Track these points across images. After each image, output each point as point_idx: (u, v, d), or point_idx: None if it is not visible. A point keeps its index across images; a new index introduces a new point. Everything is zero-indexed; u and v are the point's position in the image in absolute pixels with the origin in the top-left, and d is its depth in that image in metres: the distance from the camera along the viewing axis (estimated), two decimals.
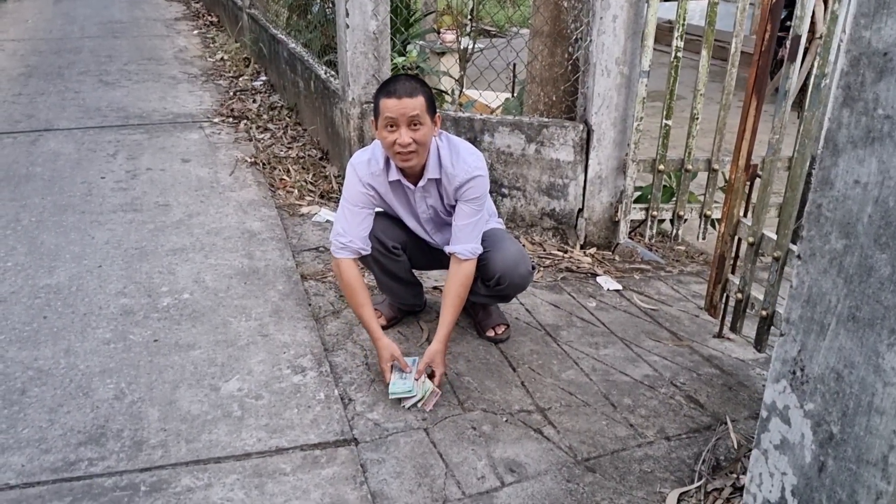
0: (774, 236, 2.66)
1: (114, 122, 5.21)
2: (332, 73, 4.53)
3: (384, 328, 2.80)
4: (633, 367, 2.74)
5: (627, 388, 2.59)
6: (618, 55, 3.40)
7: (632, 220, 3.72)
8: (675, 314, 3.20)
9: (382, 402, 2.40)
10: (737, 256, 2.93)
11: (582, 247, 3.72)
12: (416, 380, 2.40)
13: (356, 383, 2.50)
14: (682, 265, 3.76)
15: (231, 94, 6.10)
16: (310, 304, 2.97)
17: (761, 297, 2.76)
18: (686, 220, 3.71)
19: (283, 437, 2.21)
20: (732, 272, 2.94)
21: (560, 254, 3.64)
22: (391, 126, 2.26)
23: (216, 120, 5.34)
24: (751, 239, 2.75)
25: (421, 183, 2.47)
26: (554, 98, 3.72)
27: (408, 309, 2.92)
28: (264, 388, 2.44)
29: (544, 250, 3.66)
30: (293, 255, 3.39)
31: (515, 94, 4.30)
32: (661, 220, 3.72)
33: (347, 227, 2.48)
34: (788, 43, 2.56)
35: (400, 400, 2.38)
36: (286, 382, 2.47)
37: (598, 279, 3.44)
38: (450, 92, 5.38)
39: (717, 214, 3.72)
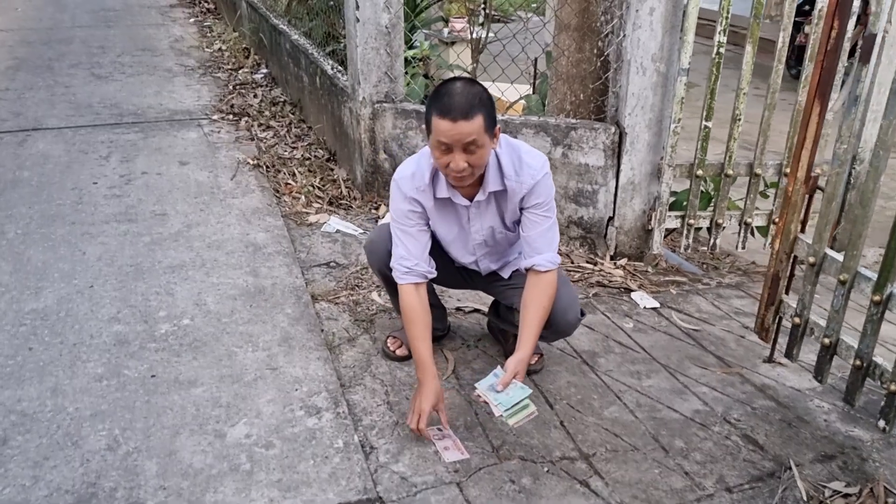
0: (840, 257, 2.39)
1: (107, 121, 4.92)
2: (340, 68, 4.23)
3: (404, 358, 2.54)
4: (681, 400, 2.48)
5: (678, 428, 2.33)
6: (654, 51, 3.12)
7: (665, 229, 3.44)
8: (720, 335, 2.93)
9: (408, 449, 2.14)
10: (791, 275, 2.66)
11: (612, 257, 3.45)
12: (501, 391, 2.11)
13: (377, 427, 2.23)
14: (720, 276, 3.49)
15: (230, 88, 5.80)
16: (322, 331, 2.71)
17: (821, 323, 2.50)
18: (724, 227, 3.44)
19: (299, 496, 1.95)
20: (786, 292, 2.68)
21: (590, 266, 3.37)
22: (444, 148, 1.98)
23: (215, 117, 5.05)
24: (812, 259, 2.48)
25: (478, 197, 2.18)
26: (581, 97, 3.43)
27: None
28: (275, 433, 2.17)
29: (572, 262, 3.39)
30: (302, 271, 3.12)
31: (537, 89, 4.01)
32: (698, 229, 3.45)
33: (411, 250, 2.20)
34: (861, 41, 2.28)
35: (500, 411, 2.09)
36: (299, 427, 2.20)
37: (633, 295, 3.17)
38: None
39: (757, 222, 3.46)
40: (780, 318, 2.70)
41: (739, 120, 3.24)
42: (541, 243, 2.20)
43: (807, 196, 2.53)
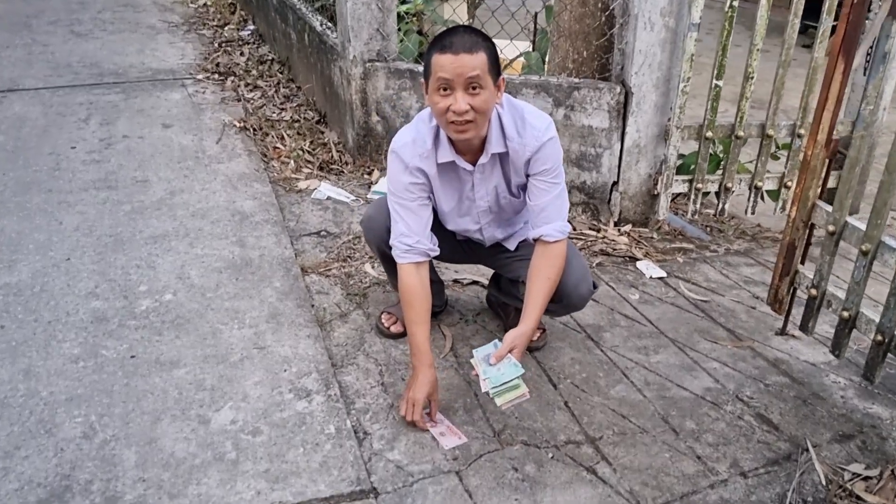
0: (862, 226, 2.25)
1: (86, 81, 4.70)
2: (329, 24, 4.02)
3: (399, 335, 2.40)
4: (690, 377, 2.36)
5: (688, 407, 2.21)
6: (663, 5, 2.92)
7: (672, 194, 3.29)
8: (729, 306, 2.80)
9: (404, 435, 2.01)
10: (808, 244, 2.52)
11: (616, 224, 3.30)
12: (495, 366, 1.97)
13: (371, 410, 2.10)
14: (727, 242, 3.35)
15: (216, 45, 5.56)
16: (312, 306, 2.56)
17: (839, 295, 2.36)
18: (733, 192, 3.28)
19: (287, 487, 1.82)
20: (802, 262, 2.54)
21: (593, 233, 3.22)
22: (444, 89, 1.82)
23: (200, 76, 4.83)
24: (831, 227, 2.33)
25: (482, 160, 2.02)
26: (585, 54, 3.24)
27: None
28: (262, 418, 2.04)
29: (574, 229, 3.24)
30: (291, 241, 2.96)
31: (537, 46, 3.81)
32: (706, 193, 3.30)
33: (411, 226, 2.05)
34: None
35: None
36: (288, 411, 2.07)
37: (639, 264, 3.03)
38: None
39: (768, 185, 3.31)
40: (795, 290, 2.57)
41: (752, 78, 3.06)
42: (549, 212, 2.06)
43: (827, 161, 2.38)
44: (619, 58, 3.13)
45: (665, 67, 3.03)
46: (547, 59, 3.51)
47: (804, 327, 2.52)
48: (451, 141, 1.99)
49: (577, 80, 3.18)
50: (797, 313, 2.63)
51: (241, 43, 5.59)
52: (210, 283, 2.65)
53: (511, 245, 2.27)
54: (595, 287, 2.18)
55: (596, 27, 3.17)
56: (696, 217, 3.38)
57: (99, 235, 2.93)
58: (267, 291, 2.62)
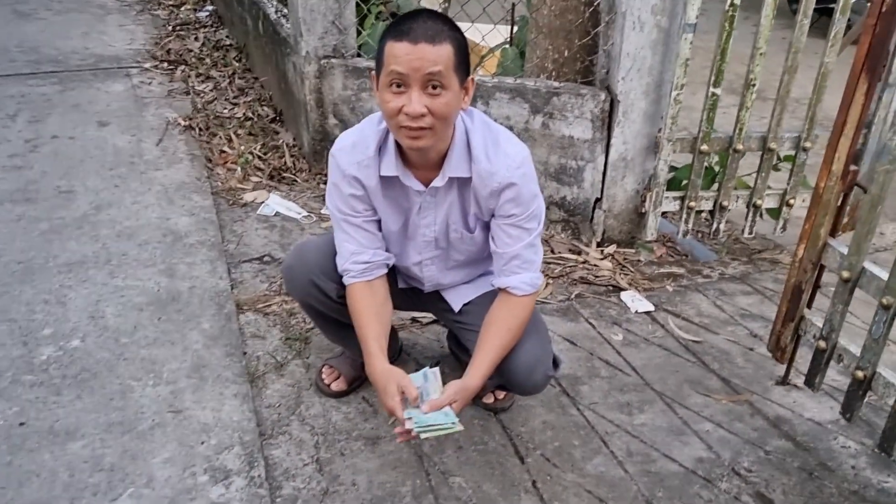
0: (884, 274, 1.91)
1: (21, 70, 4.27)
2: (285, 11, 3.61)
3: (341, 394, 2.06)
4: (680, 444, 2.03)
5: (677, 486, 1.89)
6: (654, 2, 2.55)
7: (662, 212, 2.94)
8: (724, 347, 2.48)
9: None
10: (816, 287, 2.19)
11: (599, 244, 2.96)
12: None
13: (300, 498, 1.76)
14: (722, 265, 3.01)
15: (170, 28, 5.12)
16: (244, 354, 2.21)
17: (853, 350, 2.04)
18: (729, 210, 2.94)
19: None
20: (809, 307, 2.21)
21: (573, 257, 2.87)
22: (398, 85, 1.46)
23: (148, 65, 4.41)
24: (846, 273, 2.00)
25: (437, 182, 1.66)
26: (567, 54, 2.87)
27: None
28: None
29: (553, 251, 2.89)
30: (229, 269, 2.60)
31: (514, 39, 3.43)
32: (700, 212, 2.96)
33: (364, 242, 1.74)
34: None
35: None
36: (200, 500, 1.73)
37: (623, 296, 2.69)
38: None
39: (769, 203, 2.97)
40: (799, 337, 2.24)
41: (754, 86, 2.70)
42: (518, 263, 1.71)
43: (842, 194, 2.04)
44: (604, 60, 2.76)
45: (656, 73, 2.67)
46: (525, 58, 3.13)
47: (810, 382, 2.19)
48: (400, 150, 1.63)
49: (557, 84, 2.81)
50: (801, 359, 2.31)
51: (197, 26, 5.16)
52: (127, 324, 2.29)
53: (455, 303, 1.91)
54: (557, 366, 1.83)
55: (579, 24, 2.79)
56: (688, 238, 3.04)
57: (6, 262, 2.55)
58: (193, 335, 2.26)
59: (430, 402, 1.60)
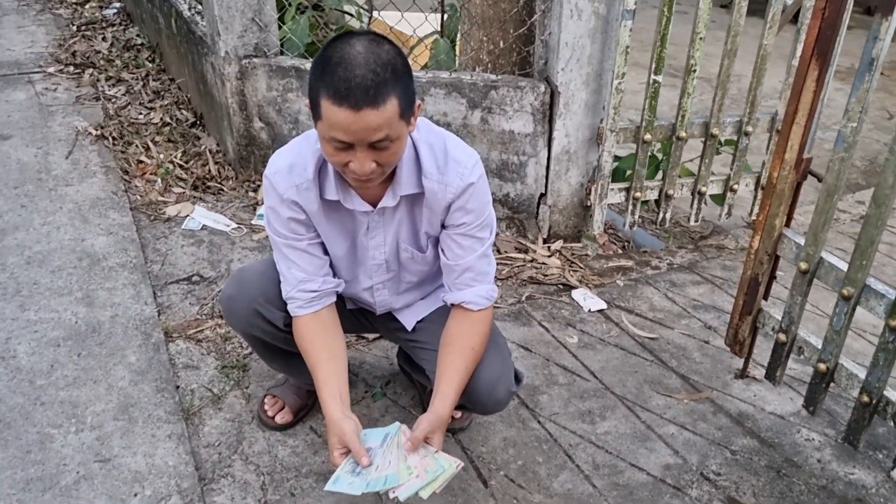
0: (843, 265, 1.87)
1: None
2: (200, 8, 3.38)
3: (287, 426, 1.91)
4: (646, 451, 1.96)
5: (648, 498, 1.81)
6: None
7: (608, 204, 2.86)
8: (680, 342, 2.42)
9: None
10: (772, 278, 2.14)
11: (545, 240, 2.87)
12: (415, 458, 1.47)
13: None
14: (669, 254, 2.96)
15: (74, 28, 4.77)
16: (177, 388, 2.02)
17: (814, 343, 2.00)
18: (674, 198, 2.89)
19: None
20: (765, 298, 2.16)
21: (520, 256, 2.77)
22: (342, 145, 1.31)
23: (52, 69, 4.08)
24: (804, 265, 1.95)
25: (385, 202, 1.52)
26: (503, 45, 2.75)
27: None
28: None
29: (500, 251, 2.78)
30: (154, 293, 2.40)
31: (445, 30, 3.28)
32: (645, 202, 2.89)
33: (308, 268, 1.59)
34: None
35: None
36: None
37: (574, 294, 2.61)
38: (357, 17, 4.25)
39: (713, 190, 2.93)
40: (757, 329, 2.19)
41: (694, 72, 2.64)
42: (472, 275, 1.59)
43: (796, 184, 1.99)
44: (541, 51, 2.65)
45: (596, 62, 2.58)
46: (458, 51, 3.00)
47: (770, 376, 2.16)
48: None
49: (494, 77, 2.69)
50: (758, 350, 2.28)
51: (104, 25, 4.82)
52: (42, 363, 2.07)
53: (408, 322, 1.78)
54: (519, 381, 1.72)
55: (514, 13, 2.68)
56: (634, 229, 2.98)
57: None
58: (118, 371, 2.06)
59: (409, 440, 1.46)
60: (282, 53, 2.93)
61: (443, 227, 1.59)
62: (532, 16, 2.64)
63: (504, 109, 2.67)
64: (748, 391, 2.22)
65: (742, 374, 2.29)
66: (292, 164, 1.51)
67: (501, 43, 2.74)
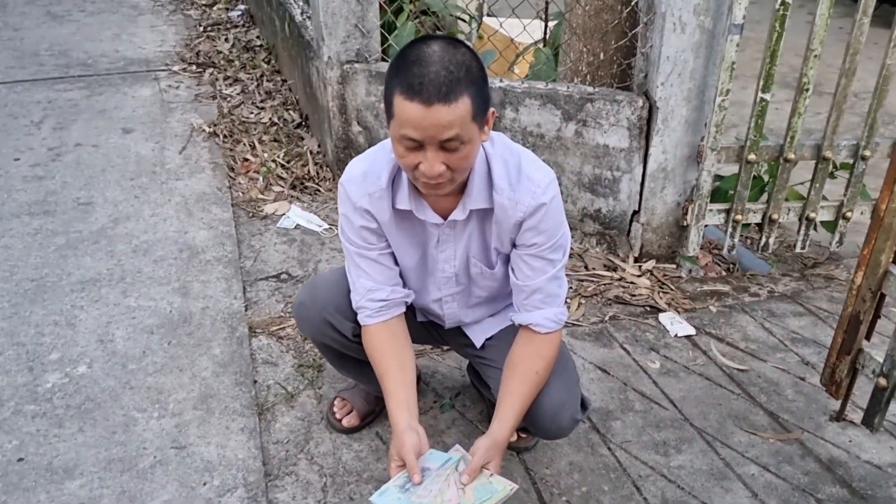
0: None
1: (50, 73, 4.23)
2: (310, 13, 3.48)
3: (353, 430, 1.93)
4: (721, 490, 1.86)
5: None
6: (697, 1, 2.35)
7: (706, 226, 2.74)
8: (772, 377, 2.28)
9: None
10: (876, 317, 1.98)
11: (636, 259, 2.77)
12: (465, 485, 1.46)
13: None
14: (771, 281, 2.80)
15: (201, 28, 5.05)
16: (255, 383, 2.10)
17: None
18: (779, 223, 2.73)
19: None
20: (868, 338, 2.00)
21: (608, 275, 2.70)
22: (412, 143, 1.32)
23: (177, 68, 4.34)
24: None
25: (455, 215, 1.52)
26: (602, 57, 2.68)
27: None
28: None
29: (587, 268, 2.72)
30: (244, 288, 2.49)
31: (549, 39, 3.25)
32: (746, 225, 2.75)
33: (378, 278, 1.60)
34: None
35: None
36: None
37: (662, 318, 2.51)
38: (467, 21, 4.27)
39: (823, 216, 2.75)
40: (856, 371, 2.04)
41: (807, 90, 2.48)
42: (541, 297, 1.56)
43: None
44: (642, 63, 2.57)
45: (699, 77, 2.47)
46: (558, 60, 2.95)
47: (868, 422, 2.00)
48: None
49: (591, 89, 2.63)
50: (858, 391, 2.11)
51: (228, 26, 5.07)
52: (136, 349, 2.19)
53: (476, 339, 1.76)
54: (585, 408, 1.67)
55: (615, 25, 2.61)
56: (730, 256, 2.83)
57: (19, 280, 2.48)
58: (202, 362, 2.15)
59: (469, 469, 1.46)
60: (383, 60, 2.98)
61: (514, 246, 1.57)
62: (634, 28, 2.56)
63: (599, 123, 2.60)
64: (843, 436, 2.07)
65: (838, 417, 2.13)
66: (366, 172, 1.52)
67: (602, 54, 2.68)
